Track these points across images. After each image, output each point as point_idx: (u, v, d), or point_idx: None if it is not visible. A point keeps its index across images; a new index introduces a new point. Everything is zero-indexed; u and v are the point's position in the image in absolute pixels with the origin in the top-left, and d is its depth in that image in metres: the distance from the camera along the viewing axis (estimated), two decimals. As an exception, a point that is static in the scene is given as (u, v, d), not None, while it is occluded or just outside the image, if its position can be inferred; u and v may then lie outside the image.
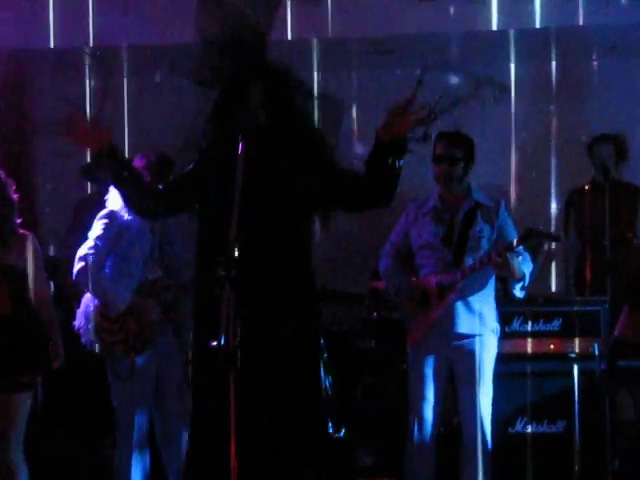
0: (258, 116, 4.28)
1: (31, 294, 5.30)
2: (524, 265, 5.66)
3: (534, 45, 7.79)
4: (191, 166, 4.53)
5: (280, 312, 4.31)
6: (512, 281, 5.73)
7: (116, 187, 4.68)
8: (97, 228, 5.65)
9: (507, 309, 6.05)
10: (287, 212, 4.33)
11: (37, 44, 7.58)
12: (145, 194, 4.55)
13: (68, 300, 6.13)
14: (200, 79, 4.41)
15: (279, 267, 4.29)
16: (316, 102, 4.47)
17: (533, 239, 5.64)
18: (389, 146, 4.24)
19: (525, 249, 5.70)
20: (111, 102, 8.24)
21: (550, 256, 7.47)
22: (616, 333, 4.89)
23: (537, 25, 7.27)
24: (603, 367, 5.07)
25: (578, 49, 7.93)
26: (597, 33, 7.49)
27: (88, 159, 7.58)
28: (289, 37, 6.92)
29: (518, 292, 5.75)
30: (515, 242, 5.59)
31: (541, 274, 7.02)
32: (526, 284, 5.71)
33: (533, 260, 5.81)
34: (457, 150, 5.75)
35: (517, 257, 5.61)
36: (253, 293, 4.18)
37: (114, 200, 5.65)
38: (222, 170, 4.22)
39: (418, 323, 5.75)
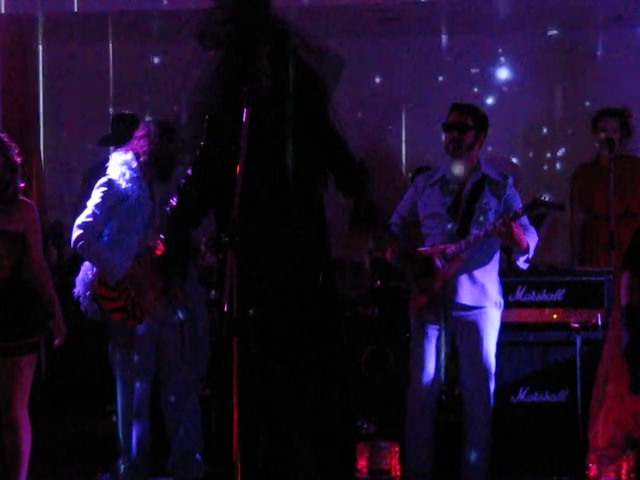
0: (263, 81, 4.23)
1: (30, 261, 5.31)
2: (529, 237, 5.65)
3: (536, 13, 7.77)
4: (202, 148, 4.48)
5: (295, 278, 4.27)
6: (516, 253, 5.73)
7: None
8: (95, 196, 5.64)
9: (511, 279, 6.06)
10: (299, 173, 4.27)
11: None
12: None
13: (69, 266, 6.12)
14: (205, 39, 4.35)
15: (293, 230, 4.25)
16: (321, 56, 4.39)
17: (539, 208, 5.63)
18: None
19: (530, 222, 5.69)
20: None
21: (554, 227, 7.45)
22: (626, 301, 4.87)
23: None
24: (625, 341, 5.07)
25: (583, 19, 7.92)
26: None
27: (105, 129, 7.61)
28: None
29: (522, 264, 5.75)
30: (520, 211, 5.58)
31: (545, 245, 7.00)
32: (530, 256, 5.71)
33: (537, 231, 5.80)
34: (468, 118, 5.76)
35: (523, 228, 5.61)
36: (267, 258, 4.16)
37: (113, 168, 5.64)
38: (230, 137, 4.16)
39: (421, 292, 5.74)
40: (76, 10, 7.55)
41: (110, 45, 8.52)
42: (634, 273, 4.84)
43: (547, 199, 5.65)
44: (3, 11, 7.65)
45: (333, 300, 4.41)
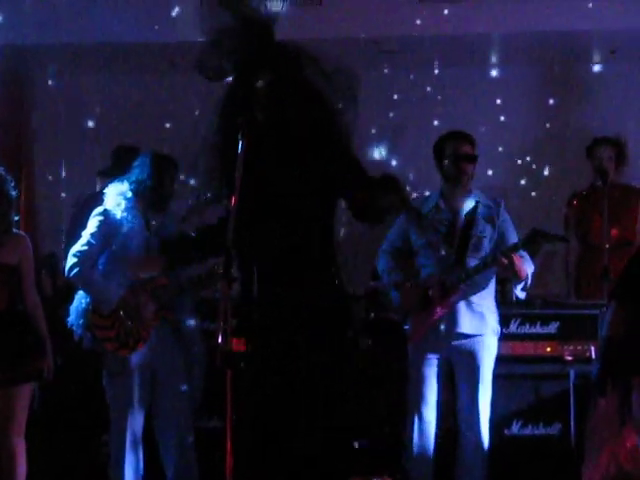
0: (257, 112, 4.23)
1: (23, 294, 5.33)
2: (526, 265, 5.66)
3: (534, 48, 7.80)
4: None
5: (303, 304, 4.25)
6: (514, 282, 5.73)
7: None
8: (91, 225, 5.66)
9: (505, 311, 6.05)
10: (304, 203, 4.24)
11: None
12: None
13: (64, 296, 6.12)
14: (208, 71, 4.36)
15: (297, 261, 4.23)
16: (332, 78, 4.35)
17: (541, 240, 5.64)
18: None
19: (525, 250, 5.70)
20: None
21: (549, 258, 7.46)
22: (606, 332, 4.83)
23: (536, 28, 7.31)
24: (594, 373, 5.05)
25: (578, 53, 7.95)
26: (597, 37, 7.52)
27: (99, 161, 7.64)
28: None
29: (519, 293, 5.75)
30: (521, 243, 5.59)
31: (540, 276, 7.01)
32: (528, 285, 5.72)
33: (532, 260, 5.81)
34: (474, 148, 5.82)
35: (521, 258, 5.62)
36: (275, 288, 4.15)
37: (109, 198, 5.66)
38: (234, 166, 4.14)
39: (419, 322, 5.75)
40: (69, 41, 7.59)
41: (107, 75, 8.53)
42: (620, 304, 4.76)
43: (549, 231, 5.67)
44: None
45: (340, 334, 4.36)
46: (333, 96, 4.30)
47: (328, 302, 4.25)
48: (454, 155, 5.77)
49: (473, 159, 5.78)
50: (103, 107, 8.45)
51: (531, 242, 5.59)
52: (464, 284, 5.64)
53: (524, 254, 5.70)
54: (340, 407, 4.33)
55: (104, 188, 5.84)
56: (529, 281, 5.70)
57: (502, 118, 8.22)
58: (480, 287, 5.71)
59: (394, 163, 8.06)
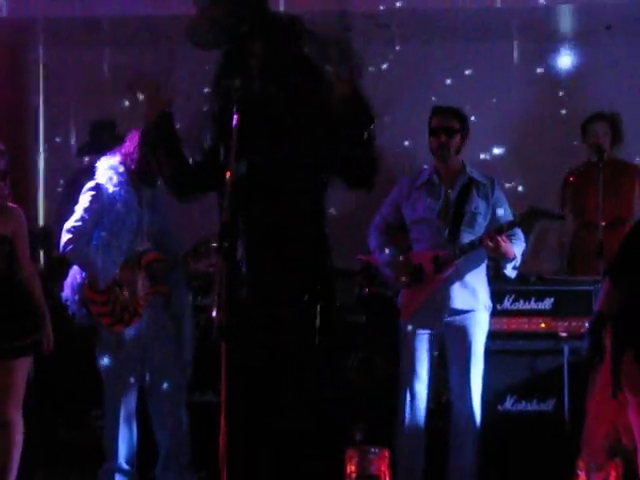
0: (253, 87, 4.19)
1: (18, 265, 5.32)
2: (516, 245, 5.66)
3: (534, 23, 7.77)
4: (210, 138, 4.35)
5: (290, 284, 4.22)
6: (504, 261, 5.73)
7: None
8: (84, 200, 5.65)
9: (499, 287, 6.05)
10: (294, 177, 4.21)
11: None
12: (185, 172, 4.32)
13: (57, 271, 6.11)
14: (200, 39, 4.31)
15: (289, 235, 4.20)
16: (327, 48, 4.31)
17: (539, 217, 5.65)
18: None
19: (520, 227, 5.70)
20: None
21: (544, 234, 7.44)
22: (598, 307, 4.83)
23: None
24: (585, 346, 5.04)
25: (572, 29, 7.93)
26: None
27: (83, 136, 7.60)
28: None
29: (509, 271, 5.75)
30: (507, 224, 5.59)
31: (534, 253, 7.00)
32: (517, 264, 5.72)
33: (526, 237, 5.80)
34: (454, 121, 5.78)
35: (512, 237, 5.61)
36: (263, 263, 4.13)
37: (101, 173, 5.64)
38: (223, 140, 4.11)
39: (411, 297, 5.75)
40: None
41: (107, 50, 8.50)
42: (614, 281, 4.76)
43: (545, 208, 5.67)
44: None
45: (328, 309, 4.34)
46: (328, 66, 4.25)
47: (315, 277, 4.24)
48: (430, 128, 5.81)
49: (441, 131, 5.76)
50: (97, 80, 8.39)
51: (528, 220, 5.59)
52: (458, 260, 5.63)
53: (517, 231, 5.69)
54: (332, 381, 4.32)
55: (91, 162, 5.82)
56: (519, 260, 5.70)
57: (495, 97, 8.16)
58: (473, 263, 5.70)
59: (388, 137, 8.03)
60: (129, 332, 5.62)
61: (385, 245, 5.86)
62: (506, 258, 5.65)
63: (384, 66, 8.00)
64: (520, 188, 7.91)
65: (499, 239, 5.53)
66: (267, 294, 4.17)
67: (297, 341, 4.16)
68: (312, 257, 4.23)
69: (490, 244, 5.54)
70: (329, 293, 4.29)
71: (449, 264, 5.64)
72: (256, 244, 4.15)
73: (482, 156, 7.81)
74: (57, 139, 8.46)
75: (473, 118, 6.12)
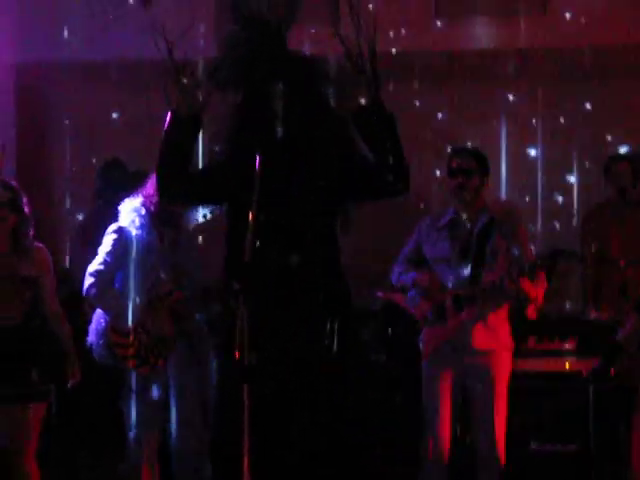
0: (276, 131, 4.21)
1: (44, 306, 5.33)
2: (538, 286, 5.64)
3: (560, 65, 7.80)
4: (220, 161, 4.38)
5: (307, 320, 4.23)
6: (526, 302, 5.70)
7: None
8: (106, 243, 5.67)
9: (522, 326, 6.02)
10: (311, 214, 4.23)
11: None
12: (182, 177, 4.32)
13: (80, 314, 6.13)
14: (220, 81, 4.34)
15: (306, 270, 4.20)
16: (339, 86, 4.35)
17: (558, 259, 5.64)
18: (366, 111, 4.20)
19: (542, 268, 5.69)
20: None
21: (567, 273, 7.42)
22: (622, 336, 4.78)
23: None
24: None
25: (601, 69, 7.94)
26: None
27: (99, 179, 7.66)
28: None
29: (531, 313, 5.72)
30: (530, 266, 5.57)
31: (557, 292, 6.99)
32: (539, 305, 5.70)
33: (549, 278, 5.78)
34: (471, 162, 5.78)
35: (532, 280, 5.61)
36: (279, 299, 4.14)
37: (124, 215, 5.67)
38: (246, 177, 4.13)
39: (433, 336, 5.74)
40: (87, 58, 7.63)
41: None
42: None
43: (567, 250, 5.67)
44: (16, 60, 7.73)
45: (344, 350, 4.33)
46: (343, 103, 4.29)
47: (334, 319, 4.24)
48: (448, 170, 5.82)
49: (458, 172, 5.75)
50: (116, 123, 8.46)
51: (550, 261, 5.59)
52: (478, 299, 5.63)
53: (539, 273, 5.68)
54: (351, 419, 4.31)
55: (107, 205, 5.85)
56: (539, 301, 5.68)
57: (516, 134, 8.18)
58: (495, 303, 5.69)
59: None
60: (154, 375, 5.61)
61: (406, 272, 5.86)
62: (528, 299, 5.63)
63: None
64: (539, 227, 7.89)
65: (521, 281, 5.53)
66: (284, 336, 4.17)
67: (317, 384, 4.17)
68: (330, 300, 4.24)
69: (512, 286, 5.54)
70: (350, 333, 4.30)
71: (470, 303, 5.63)
72: (271, 286, 4.15)
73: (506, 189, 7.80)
74: (76, 178, 8.52)
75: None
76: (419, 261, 5.90)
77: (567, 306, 7.27)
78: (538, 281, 5.65)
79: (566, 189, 8.04)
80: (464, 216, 5.81)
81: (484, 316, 5.65)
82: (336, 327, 4.20)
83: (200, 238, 6.06)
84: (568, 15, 7.46)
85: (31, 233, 5.35)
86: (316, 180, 4.22)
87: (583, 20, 7.42)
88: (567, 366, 6.14)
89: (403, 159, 4.25)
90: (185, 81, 4.26)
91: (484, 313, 5.65)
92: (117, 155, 7.79)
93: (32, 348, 5.25)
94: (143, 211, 5.68)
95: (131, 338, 5.58)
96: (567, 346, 6.18)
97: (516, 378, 5.80)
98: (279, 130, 4.19)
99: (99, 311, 5.67)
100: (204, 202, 4.68)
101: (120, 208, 5.74)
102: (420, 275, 5.79)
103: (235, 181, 4.20)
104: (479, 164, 5.81)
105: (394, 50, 7.41)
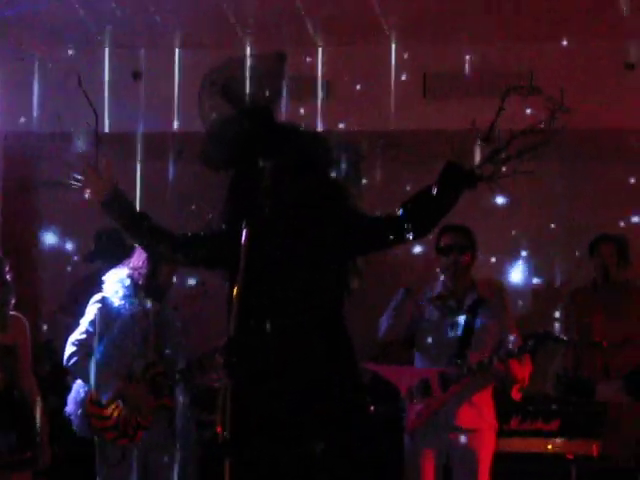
0: (264, 205, 4.21)
1: (19, 376, 5.31)
2: (524, 368, 5.64)
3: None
4: (214, 231, 4.37)
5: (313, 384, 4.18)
6: (511, 383, 5.69)
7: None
8: (89, 313, 5.66)
9: (505, 407, 6.00)
10: (310, 292, 4.20)
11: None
12: (162, 238, 4.34)
13: (61, 385, 6.09)
14: (211, 161, 4.36)
15: (309, 336, 4.16)
16: (336, 154, 4.35)
17: (544, 342, 5.65)
18: (459, 172, 4.18)
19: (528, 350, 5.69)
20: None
21: (549, 355, 7.42)
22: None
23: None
24: None
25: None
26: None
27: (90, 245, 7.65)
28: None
29: (515, 394, 5.71)
30: (519, 350, 5.59)
31: (540, 373, 6.99)
32: (524, 386, 5.68)
33: (532, 360, 5.78)
34: (464, 240, 5.81)
35: (519, 360, 5.61)
36: (281, 361, 4.09)
37: (108, 285, 5.66)
38: (235, 250, 4.12)
39: (417, 413, 5.71)
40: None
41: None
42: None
43: (555, 334, 5.69)
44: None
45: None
46: (335, 169, 4.30)
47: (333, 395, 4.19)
48: (440, 247, 5.84)
49: (453, 249, 5.77)
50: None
51: (537, 345, 5.59)
52: (464, 379, 5.60)
53: (523, 356, 5.68)
54: None
55: (99, 271, 5.84)
56: (525, 383, 5.67)
57: (507, 213, 8.22)
58: (480, 382, 5.67)
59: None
60: (131, 447, 5.55)
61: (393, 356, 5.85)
62: (515, 380, 5.62)
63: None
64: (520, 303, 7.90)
65: (510, 362, 5.52)
66: (280, 409, 4.12)
67: (305, 456, 4.11)
68: (333, 372, 4.19)
69: (501, 367, 5.54)
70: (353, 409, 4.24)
71: (456, 383, 5.61)
72: (268, 358, 4.11)
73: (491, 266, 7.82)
74: (61, 247, 8.50)
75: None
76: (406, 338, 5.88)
77: (550, 386, 7.22)
78: (524, 363, 5.64)
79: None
80: (452, 294, 5.81)
81: (468, 395, 5.63)
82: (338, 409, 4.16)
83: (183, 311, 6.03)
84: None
85: (12, 302, 5.33)
86: (311, 250, 4.20)
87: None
88: (550, 447, 6.10)
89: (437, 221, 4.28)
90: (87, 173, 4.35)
91: (470, 392, 5.63)
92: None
93: (14, 416, 5.21)
94: (128, 282, 5.67)
95: (109, 410, 5.54)
96: (550, 427, 6.13)
97: (499, 459, 5.76)
98: (268, 204, 4.19)
99: (79, 381, 5.63)
100: (191, 263, 4.61)
101: (105, 278, 5.73)
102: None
103: (225, 252, 4.19)
104: (471, 241, 5.84)
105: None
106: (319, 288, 4.16)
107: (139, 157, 8.10)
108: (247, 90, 4.31)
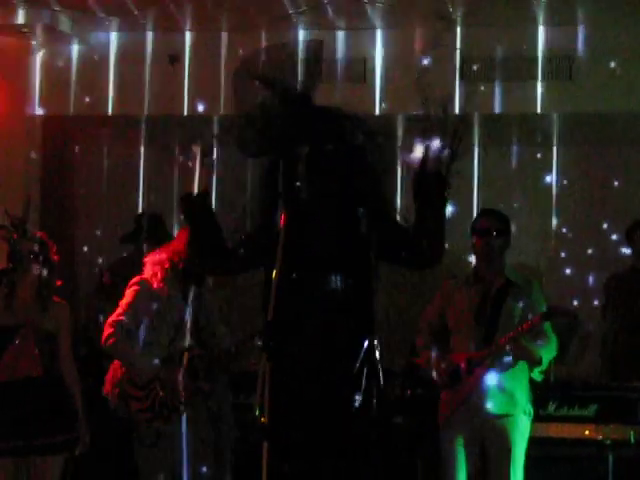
0: (300, 189, 4.21)
1: (59, 362, 5.35)
2: (543, 349, 5.61)
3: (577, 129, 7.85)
4: (253, 231, 4.34)
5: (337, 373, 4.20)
6: (530, 365, 5.68)
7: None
8: (128, 295, 5.67)
9: (543, 392, 5.99)
10: (343, 280, 4.22)
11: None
12: (218, 252, 4.29)
13: (98, 369, 6.14)
14: (249, 149, 4.36)
15: (336, 336, 4.18)
16: (375, 140, 4.34)
17: (552, 317, 5.62)
18: (430, 179, 4.16)
19: (552, 331, 5.67)
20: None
21: (587, 340, 7.40)
22: None
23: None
24: None
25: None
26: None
27: (127, 227, 7.70)
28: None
29: (537, 375, 5.69)
30: (522, 328, 5.56)
31: (578, 359, 6.98)
32: (544, 368, 5.66)
33: (564, 342, 5.75)
34: (499, 223, 5.80)
35: (534, 342, 5.59)
36: (305, 362, 4.11)
37: (148, 268, 5.68)
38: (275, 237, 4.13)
39: (448, 400, 5.71)
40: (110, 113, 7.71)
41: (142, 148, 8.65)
42: None
43: (558, 308, 5.66)
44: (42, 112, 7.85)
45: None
46: (373, 155, 4.28)
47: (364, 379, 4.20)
48: (475, 229, 5.84)
49: (487, 233, 5.76)
50: (139, 177, 8.54)
51: (544, 319, 5.57)
52: (489, 361, 5.60)
53: (547, 335, 5.65)
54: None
55: (133, 252, 5.86)
56: (545, 364, 5.62)
57: (539, 197, 8.20)
58: (507, 365, 5.65)
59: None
60: (167, 429, 5.59)
61: (431, 344, 5.84)
62: (531, 361, 5.60)
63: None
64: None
65: (517, 345, 5.53)
66: (314, 395, 4.13)
67: (341, 447, 4.12)
68: (362, 360, 4.20)
69: (507, 347, 5.52)
70: (379, 395, 4.25)
71: (481, 366, 5.61)
72: (306, 343, 4.12)
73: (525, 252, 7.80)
74: (96, 231, 8.56)
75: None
76: (441, 328, 5.88)
77: (588, 372, 7.22)
78: (543, 345, 5.62)
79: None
80: (483, 278, 5.81)
81: (499, 380, 5.62)
82: (366, 386, 4.16)
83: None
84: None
85: (58, 283, 5.38)
86: (349, 237, 4.20)
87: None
88: (587, 433, 6.08)
89: (444, 236, 4.24)
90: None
91: (499, 377, 5.62)
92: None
93: (53, 400, 5.25)
94: (167, 265, 5.68)
95: (146, 392, 5.57)
96: (587, 413, 6.11)
97: (535, 444, 5.75)
98: (305, 189, 4.19)
99: (116, 362, 5.67)
100: (240, 272, 4.59)
101: (145, 260, 5.76)
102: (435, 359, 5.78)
103: (266, 243, 4.19)
104: (505, 225, 5.84)
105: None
106: (353, 274, 4.17)
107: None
108: (285, 75, 4.31)
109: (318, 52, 4.41)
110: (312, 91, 4.33)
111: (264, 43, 4.56)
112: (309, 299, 4.12)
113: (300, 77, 4.32)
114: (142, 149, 8.62)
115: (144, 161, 8.60)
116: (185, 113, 7.78)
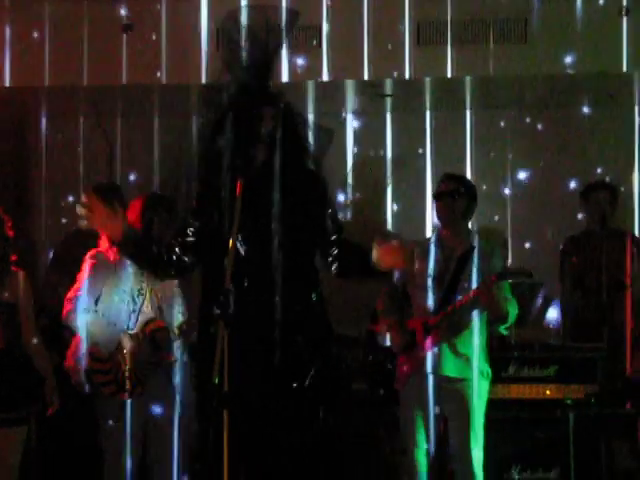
0: (258, 155, 4.23)
1: (22, 332, 5.32)
2: (509, 304, 5.65)
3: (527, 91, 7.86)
4: (194, 208, 4.38)
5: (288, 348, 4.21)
6: (494, 319, 5.70)
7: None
8: (85, 269, 5.64)
9: (503, 354, 6.03)
10: (292, 245, 4.25)
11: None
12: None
13: (58, 340, 6.10)
14: (210, 107, 4.36)
15: (286, 301, 4.21)
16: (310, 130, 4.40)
17: (509, 277, 5.66)
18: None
19: (512, 294, 5.70)
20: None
21: (546, 304, 7.46)
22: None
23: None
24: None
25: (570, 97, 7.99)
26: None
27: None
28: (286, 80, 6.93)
29: (502, 330, 5.72)
30: (493, 277, 5.59)
31: (537, 322, 7.03)
32: (511, 322, 5.69)
33: (526, 306, 5.79)
34: (460, 187, 5.81)
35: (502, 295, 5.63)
36: (259, 328, 4.14)
37: (103, 240, 5.65)
38: (223, 209, 4.15)
39: (406, 364, 5.74)
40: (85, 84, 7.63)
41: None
42: None
43: (513, 268, 5.71)
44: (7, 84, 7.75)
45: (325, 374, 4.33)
46: (314, 148, 4.34)
47: (315, 345, 4.25)
48: (436, 193, 5.88)
49: (445, 196, 5.78)
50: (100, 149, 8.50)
51: (501, 278, 5.60)
52: (444, 325, 5.62)
53: (509, 297, 5.70)
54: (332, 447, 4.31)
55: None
56: (511, 319, 5.66)
57: (493, 160, 8.25)
58: (461, 328, 5.67)
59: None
60: (131, 402, 5.58)
61: (391, 308, 5.86)
62: (498, 312, 5.62)
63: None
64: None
65: (493, 288, 5.55)
66: (265, 363, 4.16)
67: (296, 414, 4.15)
68: (310, 324, 4.24)
69: (482, 291, 5.55)
70: (331, 361, 4.29)
71: (437, 329, 5.63)
72: (251, 315, 4.14)
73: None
74: (62, 204, 8.51)
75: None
76: (403, 291, 5.90)
77: (547, 334, 7.28)
78: (511, 302, 5.65)
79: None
80: (446, 242, 5.82)
81: (454, 344, 5.64)
82: (319, 354, 4.21)
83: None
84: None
85: (13, 258, 5.35)
86: (296, 213, 4.25)
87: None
88: (547, 393, 6.13)
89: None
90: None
91: (454, 341, 5.64)
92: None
93: (14, 373, 5.23)
94: (123, 237, 5.65)
95: (109, 364, 5.55)
96: (547, 373, 6.16)
97: (495, 406, 5.79)
98: (262, 156, 4.21)
99: (78, 336, 5.64)
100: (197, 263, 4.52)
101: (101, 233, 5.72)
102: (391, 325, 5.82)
103: (215, 207, 4.20)
104: (466, 189, 5.84)
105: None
106: (300, 242, 4.23)
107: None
108: (245, 41, 4.31)
109: (293, 23, 4.40)
110: (273, 58, 4.35)
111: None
112: (260, 268, 4.16)
113: (269, 44, 4.33)
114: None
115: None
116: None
